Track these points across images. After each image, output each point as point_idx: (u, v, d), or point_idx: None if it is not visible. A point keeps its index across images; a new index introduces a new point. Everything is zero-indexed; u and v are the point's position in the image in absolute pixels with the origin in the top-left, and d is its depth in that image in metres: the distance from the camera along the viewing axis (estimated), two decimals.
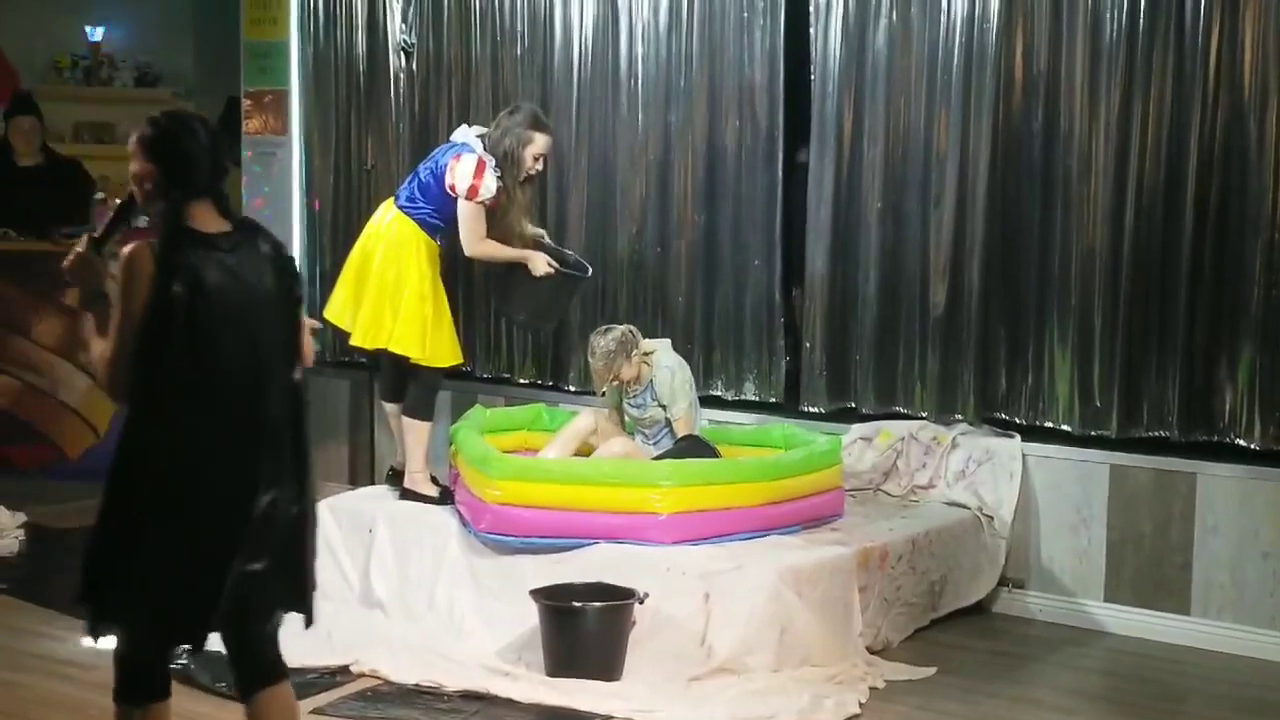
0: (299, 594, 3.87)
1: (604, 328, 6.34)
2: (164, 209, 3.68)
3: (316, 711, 4.99)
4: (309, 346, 3.91)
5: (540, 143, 6.26)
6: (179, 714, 4.94)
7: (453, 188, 6.15)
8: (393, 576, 5.89)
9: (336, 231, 8.36)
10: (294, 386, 3.78)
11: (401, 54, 8.07)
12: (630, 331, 6.26)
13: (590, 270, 6.64)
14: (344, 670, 5.33)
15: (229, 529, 3.64)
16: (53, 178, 8.74)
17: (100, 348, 3.66)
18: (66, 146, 9.35)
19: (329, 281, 8.33)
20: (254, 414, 3.68)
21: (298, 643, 5.42)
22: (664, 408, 6.24)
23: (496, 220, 6.29)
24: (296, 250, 8.44)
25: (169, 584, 3.66)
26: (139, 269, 3.58)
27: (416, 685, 5.19)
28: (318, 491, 3.90)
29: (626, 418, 6.38)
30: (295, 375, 3.78)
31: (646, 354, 6.29)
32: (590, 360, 6.29)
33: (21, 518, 7.25)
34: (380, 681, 5.25)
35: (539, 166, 6.33)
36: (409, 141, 8.08)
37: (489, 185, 6.16)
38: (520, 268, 6.34)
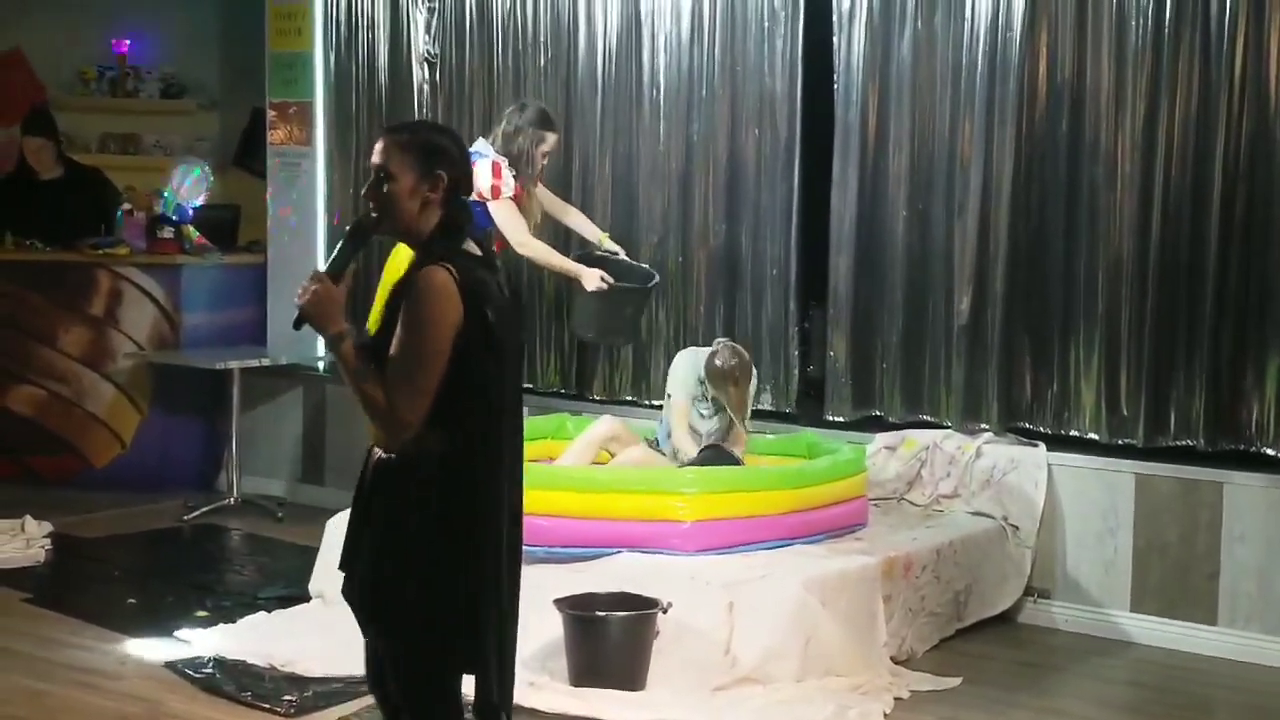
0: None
1: (720, 347, 6.19)
2: (449, 226, 3.42)
3: None
4: None
5: (550, 141, 6.47)
6: None
7: (479, 194, 6.18)
8: None
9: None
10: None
11: (425, 65, 8.10)
12: (733, 345, 6.23)
13: (655, 279, 6.69)
14: None
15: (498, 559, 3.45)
16: (73, 188, 8.77)
17: (373, 387, 3.33)
18: (92, 157, 9.38)
19: (357, 292, 8.39)
20: (518, 460, 3.53)
21: (322, 652, 5.48)
22: (728, 415, 6.15)
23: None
24: (321, 262, 8.46)
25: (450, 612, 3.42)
26: (444, 294, 3.29)
27: None
28: None
29: (678, 430, 6.26)
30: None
31: None
32: (732, 389, 6.11)
33: (48, 527, 7.27)
34: None
35: (545, 163, 6.51)
36: None
37: (508, 181, 6.31)
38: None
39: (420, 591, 3.37)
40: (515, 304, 3.58)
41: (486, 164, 6.24)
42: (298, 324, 3.53)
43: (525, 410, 7.41)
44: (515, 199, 6.35)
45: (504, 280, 3.50)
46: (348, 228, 3.59)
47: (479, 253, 3.46)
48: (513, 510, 3.49)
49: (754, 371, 6.26)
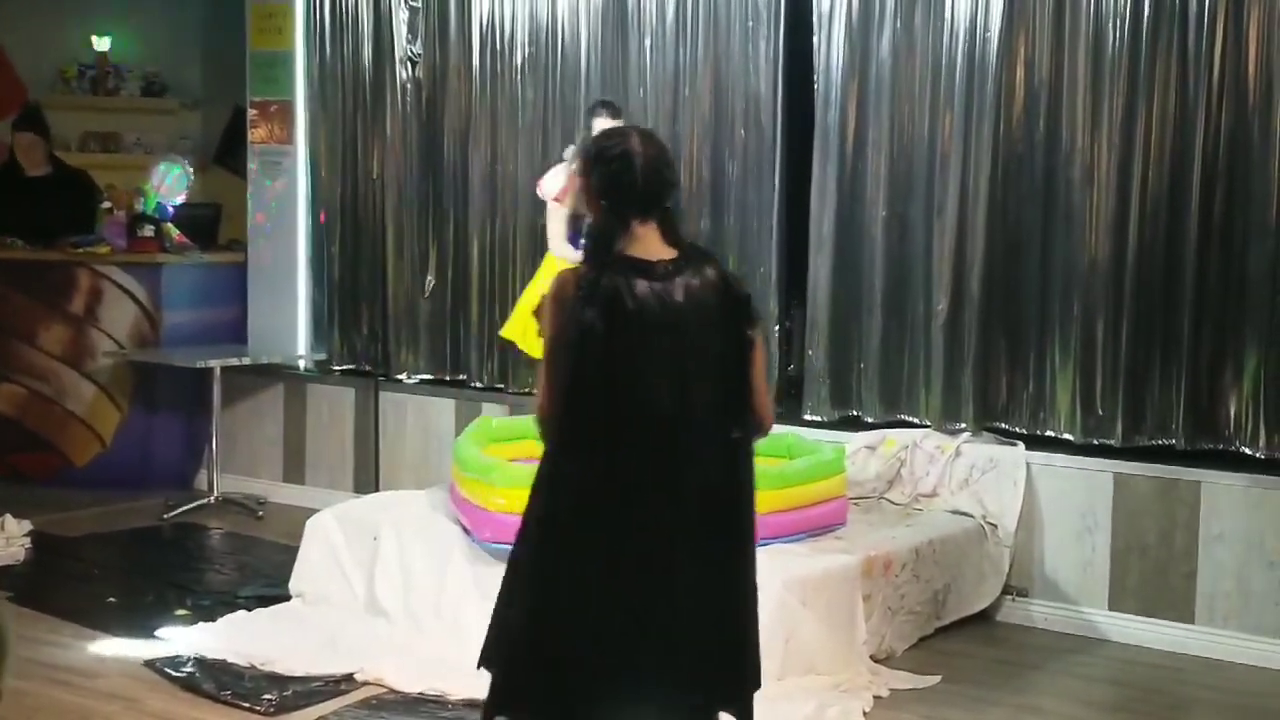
0: (722, 689, 3.49)
1: None
2: (593, 230, 3.48)
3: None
4: (765, 403, 3.52)
5: (598, 127, 6.44)
6: None
7: (554, 198, 6.72)
8: (397, 585, 5.90)
9: (344, 241, 8.38)
10: (733, 446, 3.43)
11: (407, 64, 8.10)
12: None
13: None
14: (348, 678, 5.33)
15: (636, 596, 3.35)
16: (61, 188, 8.76)
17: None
18: (73, 156, 9.36)
19: (339, 291, 8.40)
20: (673, 472, 3.37)
21: (302, 651, 5.48)
22: None
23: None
24: (302, 260, 8.47)
25: (563, 653, 3.39)
26: (560, 295, 3.35)
27: (421, 694, 5.19)
28: (754, 578, 3.52)
29: None
30: (733, 433, 3.42)
31: None
32: None
33: (27, 525, 7.26)
34: (385, 690, 5.25)
35: None
36: (415, 151, 8.11)
37: (556, 183, 6.67)
38: None
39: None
40: (684, 308, 3.38)
41: (561, 171, 6.60)
42: None
43: (505, 411, 7.48)
44: (558, 197, 6.64)
45: (672, 286, 3.39)
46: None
47: (637, 257, 3.41)
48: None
49: None
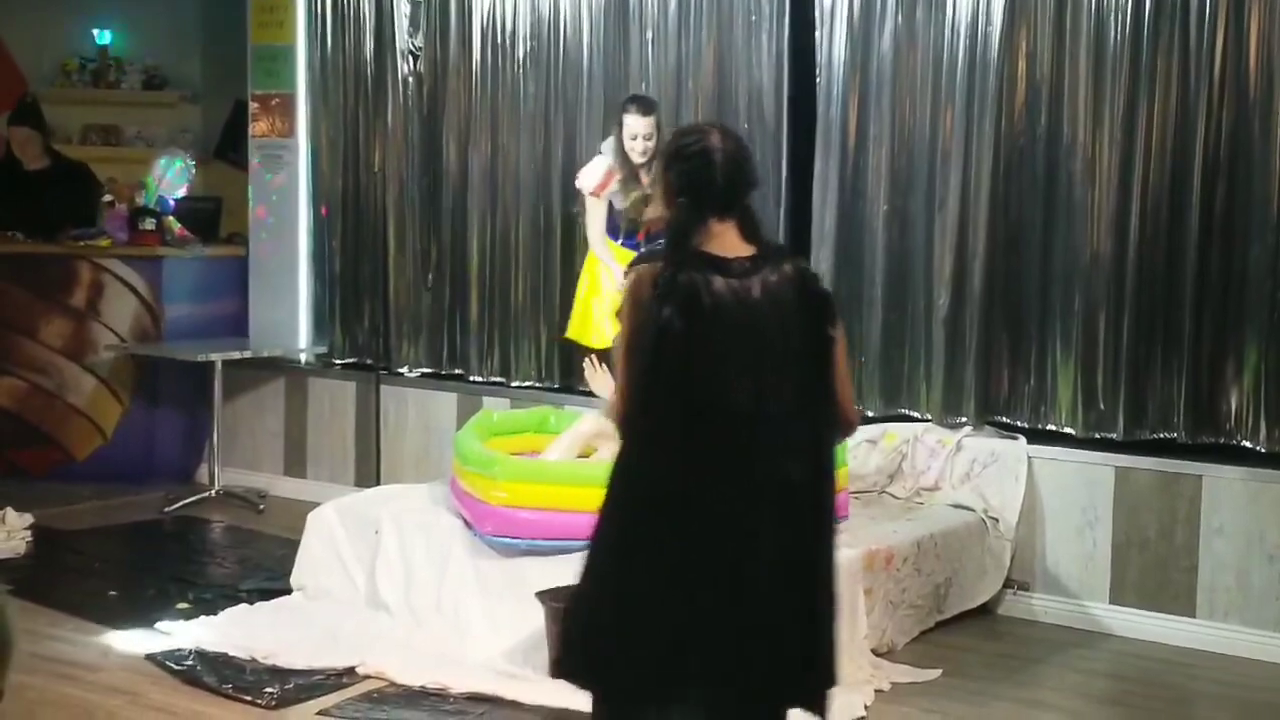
0: (797, 686, 3.47)
1: None
2: (671, 227, 3.44)
3: (322, 713, 5.00)
4: (848, 401, 3.51)
5: (628, 124, 6.51)
6: (184, 714, 4.98)
7: (591, 191, 6.70)
8: (398, 579, 5.90)
9: (345, 235, 8.38)
10: (813, 444, 3.40)
11: (409, 58, 8.09)
12: None
13: None
14: (350, 672, 5.33)
15: (714, 588, 3.32)
16: (59, 181, 8.75)
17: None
18: (74, 149, 9.36)
19: (340, 285, 8.40)
20: (750, 470, 3.34)
21: (304, 644, 5.48)
22: None
23: (625, 211, 6.64)
24: (303, 254, 8.47)
25: (638, 641, 3.35)
26: (637, 293, 3.33)
27: (422, 687, 5.20)
28: (833, 577, 3.48)
29: None
30: (813, 432, 3.39)
31: None
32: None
33: (28, 519, 7.25)
34: (386, 683, 5.26)
35: (644, 145, 6.48)
36: (416, 144, 8.10)
37: (593, 177, 6.66)
38: None
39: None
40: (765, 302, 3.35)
41: (598, 164, 6.61)
42: None
43: (506, 404, 7.49)
44: (595, 192, 6.64)
45: (749, 284, 3.36)
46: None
47: (714, 254, 3.39)
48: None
49: None
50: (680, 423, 3.33)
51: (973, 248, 6.54)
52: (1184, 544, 6.03)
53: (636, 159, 6.51)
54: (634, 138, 6.48)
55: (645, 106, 6.55)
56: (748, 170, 3.49)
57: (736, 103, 7.13)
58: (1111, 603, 6.18)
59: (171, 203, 8.92)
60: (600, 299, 6.74)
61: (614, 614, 3.41)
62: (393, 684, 5.25)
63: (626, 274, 3.47)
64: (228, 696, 5.13)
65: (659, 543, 3.35)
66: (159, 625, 5.84)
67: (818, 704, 3.51)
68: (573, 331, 6.92)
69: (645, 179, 6.44)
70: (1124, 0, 6.16)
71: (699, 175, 3.42)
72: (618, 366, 3.40)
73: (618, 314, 3.45)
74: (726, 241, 3.40)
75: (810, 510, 3.41)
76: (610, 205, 6.67)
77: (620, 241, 6.73)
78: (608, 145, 6.65)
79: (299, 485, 8.27)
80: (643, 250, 6.72)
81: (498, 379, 7.87)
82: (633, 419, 3.38)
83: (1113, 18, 6.20)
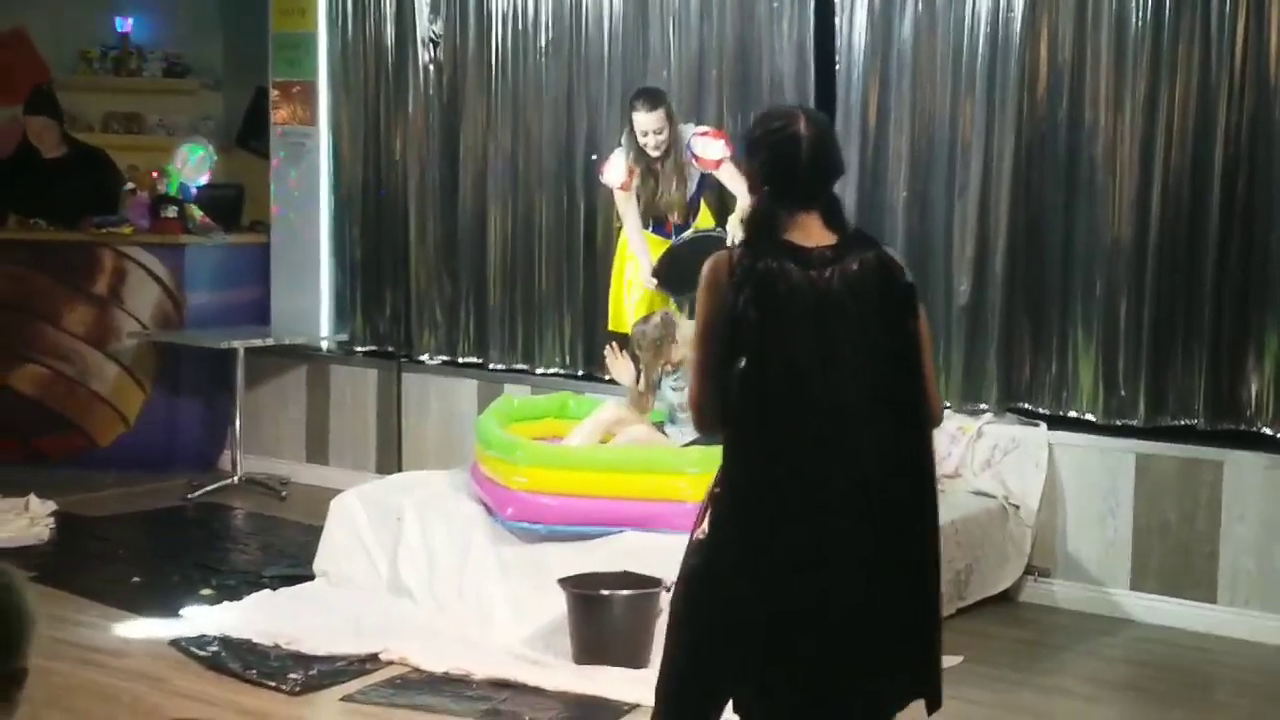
0: (897, 685, 3.40)
1: (642, 318, 6.34)
2: (751, 214, 3.39)
3: (346, 699, 5.03)
4: (934, 392, 3.37)
5: (636, 121, 6.58)
6: (208, 699, 5.01)
7: (618, 186, 6.74)
8: (421, 565, 5.92)
9: (366, 222, 8.40)
10: (899, 436, 3.27)
11: (429, 45, 8.10)
12: (668, 314, 6.28)
13: (717, 232, 6.67)
14: (373, 658, 5.36)
15: (790, 584, 3.26)
16: (79, 168, 8.78)
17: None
18: (96, 137, 9.39)
19: (361, 272, 8.42)
20: (828, 464, 3.25)
21: (326, 630, 5.51)
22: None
23: (646, 205, 6.73)
24: (325, 241, 8.49)
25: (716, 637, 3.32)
26: (714, 281, 3.26)
27: (445, 673, 5.21)
28: (933, 571, 3.39)
29: (663, 405, 6.32)
30: (894, 426, 3.26)
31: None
32: (639, 353, 6.25)
33: (52, 506, 7.29)
34: (409, 669, 5.27)
35: (656, 140, 6.55)
36: (437, 132, 8.11)
37: (620, 174, 6.70)
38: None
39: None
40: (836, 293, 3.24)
41: (619, 157, 6.67)
42: None
43: (527, 390, 7.50)
44: (623, 187, 6.66)
45: (829, 273, 3.25)
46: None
47: (795, 242, 3.30)
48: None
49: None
50: (756, 414, 3.26)
51: (993, 234, 6.53)
52: (1205, 530, 6.02)
53: (651, 153, 6.52)
54: (644, 134, 6.50)
55: (651, 101, 6.55)
56: (833, 158, 3.40)
57: (759, 89, 7.12)
58: (1132, 589, 6.18)
59: (193, 190, 8.95)
60: (629, 291, 6.84)
61: (704, 600, 3.41)
62: (415, 670, 5.27)
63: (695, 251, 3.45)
64: (252, 682, 5.15)
65: (741, 541, 3.30)
66: (183, 611, 5.86)
67: (925, 695, 3.44)
68: (614, 323, 6.95)
69: (663, 170, 6.59)
70: None
71: (784, 165, 3.33)
72: (693, 351, 3.35)
73: (696, 298, 3.39)
74: (809, 230, 3.32)
75: (897, 502, 3.28)
76: (638, 196, 6.69)
77: (649, 229, 6.75)
78: (626, 139, 6.69)
79: (321, 472, 8.30)
80: (675, 241, 6.72)
81: (521, 366, 7.88)
82: (708, 409, 3.32)
83: (1134, 3, 6.18)
